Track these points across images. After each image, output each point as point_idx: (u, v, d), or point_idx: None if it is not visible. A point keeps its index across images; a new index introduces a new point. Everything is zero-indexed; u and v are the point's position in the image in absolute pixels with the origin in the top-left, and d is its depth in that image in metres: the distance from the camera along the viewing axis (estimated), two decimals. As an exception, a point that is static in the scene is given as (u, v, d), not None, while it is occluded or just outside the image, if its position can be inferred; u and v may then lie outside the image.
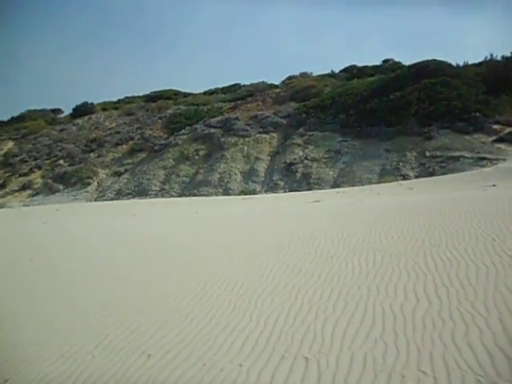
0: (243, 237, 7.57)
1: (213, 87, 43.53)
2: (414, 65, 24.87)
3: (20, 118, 41.06)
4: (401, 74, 24.86)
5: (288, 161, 21.25)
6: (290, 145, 22.47)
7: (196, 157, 23.74)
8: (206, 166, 22.79)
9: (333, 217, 8.73)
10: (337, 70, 35.82)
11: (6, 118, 42.15)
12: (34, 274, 6.54)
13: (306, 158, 21.11)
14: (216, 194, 20.52)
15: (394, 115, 20.97)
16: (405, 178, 17.71)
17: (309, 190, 18.83)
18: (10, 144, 34.05)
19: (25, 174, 28.42)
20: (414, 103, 20.99)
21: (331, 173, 19.81)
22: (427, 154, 18.57)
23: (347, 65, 36.54)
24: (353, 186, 17.99)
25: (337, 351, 2.99)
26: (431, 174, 17.26)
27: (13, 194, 26.84)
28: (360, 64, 35.75)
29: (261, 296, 4.30)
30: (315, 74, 35.14)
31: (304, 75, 35.41)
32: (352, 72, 34.04)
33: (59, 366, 3.42)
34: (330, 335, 3.25)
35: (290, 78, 36.21)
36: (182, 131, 26.70)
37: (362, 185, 17.82)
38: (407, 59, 65.22)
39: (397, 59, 35.24)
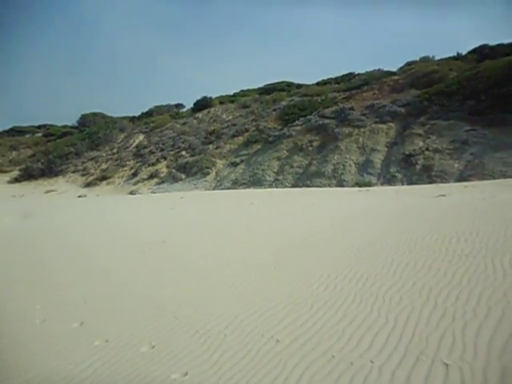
0: (365, 229, 7.34)
1: (325, 77, 42.89)
2: None
3: (149, 113, 45.43)
4: (546, 51, 21.56)
5: (407, 152, 19.99)
6: (410, 135, 21.09)
7: (310, 148, 23.67)
8: (320, 157, 22.59)
9: (463, 212, 7.97)
10: (463, 52, 32.51)
11: (137, 114, 47.05)
12: (166, 254, 7.17)
13: (427, 149, 19.63)
14: (329, 186, 20.25)
15: (537, 99, 18.29)
16: (549, 171, 15.41)
17: (430, 183, 17.51)
18: (141, 137, 37.82)
19: (153, 164, 31.34)
20: None
21: (456, 165, 18.13)
22: None
23: (476, 45, 32.91)
24: (482, 179, 16.24)
25: (483, 361, 2.72)
26: None
27: (143, 181, 29.83)
28: (493, 43, 31.91)
29: (388, 292, 4.11)
30: (437, 57, 32.38)
31: (425, 60, 32.80)
32: (483, 52, 30.49)
33: (196, 341, 3.69)
34: (473, 342, 2.97)
35: (408, 63, 33.90)
36: (296, 122, 26.82)
37: (494, 179, 15.98)
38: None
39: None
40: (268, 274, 5.29)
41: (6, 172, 38.45)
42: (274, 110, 32.00)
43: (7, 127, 55.64)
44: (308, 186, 20.78)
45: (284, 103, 32.76)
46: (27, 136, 51.31)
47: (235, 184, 24.09)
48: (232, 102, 40.45)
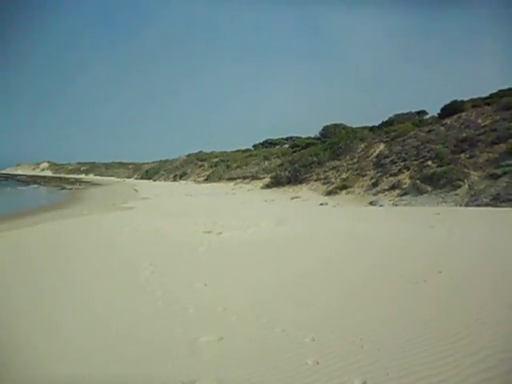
0: None
1: None
2: None
3: (389, 122, 44.22)
4: None
5: None
6: None
7: None
8: None
9: None
10: None
11: (376, 123, 46.51)
12: (443, 288, 5.97)
13: None
14: None
15: None
16: None
17: None
18: (381, 146, 36.95)
19: (394, 174, 29.99)
20: None
21: None
22: None
23: None
24: None
25: None
26: None
27: (383, 192, 28.86)
28: None
29: None
30: None
31: None
32: None
33: None
34: None
35: None
36: None
37: None
38: None
39: None
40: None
41: (260, 179, 44.30)
42: (553, 109, 25.99)
43: (262, 140, 64.86)
44: None
45: None
46: (277, 147, 58.10)
47: (496, 200, 20.39)
48: (488, 104, 35.10)
